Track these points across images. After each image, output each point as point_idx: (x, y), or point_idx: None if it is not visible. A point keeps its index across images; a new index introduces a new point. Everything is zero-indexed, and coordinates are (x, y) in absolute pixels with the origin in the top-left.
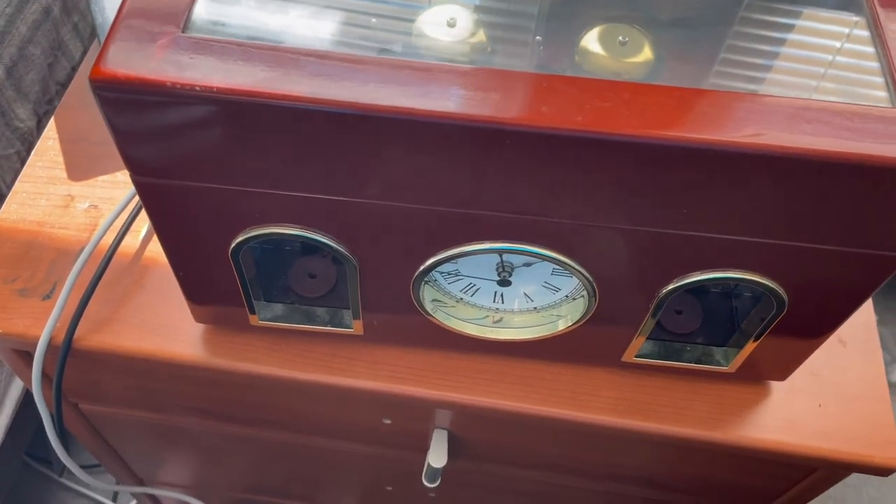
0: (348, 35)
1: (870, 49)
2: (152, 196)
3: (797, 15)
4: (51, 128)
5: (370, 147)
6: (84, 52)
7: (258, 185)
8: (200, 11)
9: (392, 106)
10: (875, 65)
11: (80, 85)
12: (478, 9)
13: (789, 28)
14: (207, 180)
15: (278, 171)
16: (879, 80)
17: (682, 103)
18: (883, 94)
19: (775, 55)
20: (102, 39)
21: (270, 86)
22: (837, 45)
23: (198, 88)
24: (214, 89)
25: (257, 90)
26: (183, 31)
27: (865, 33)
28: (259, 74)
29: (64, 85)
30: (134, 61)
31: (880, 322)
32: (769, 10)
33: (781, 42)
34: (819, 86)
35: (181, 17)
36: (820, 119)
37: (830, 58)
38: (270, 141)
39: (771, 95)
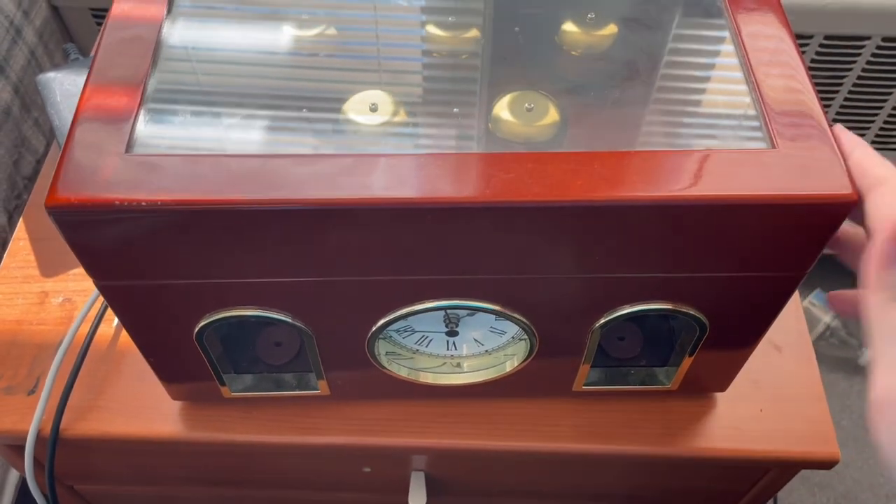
0: (283, 131)
1: (745, 91)
2: (115, 296)
3: (680, 66)
4: (20, 228)
5: (313, 235)
6: (47, 145)
7: (213, 276)
8: (142, 129)
9: (327, 199)
10: (752, 111)
11: (44, 184)
12: (396, 91)
13: (676, 79)
14: (165, 278)
15: (231, 264)
16: (756, 123)
17: (580, 166)
18: (761, 143)
19: (665, 110)
20: (61, 141)
21: (211, 194)
22: (720, 90)
23: (144, 204)
24: (159, 203)
25: (200, 199)
26: (126, 151)
27: (740, 75)
28: (200, 184)
29: (31, 178)
30: (84, 185)
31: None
32: (655, 67)
33: (671, 96)
34: (704, 134)
35: (125, 138)
36: (704, 168)
37: (713, 107)
38: (219, 241)
39: (658, 151)
